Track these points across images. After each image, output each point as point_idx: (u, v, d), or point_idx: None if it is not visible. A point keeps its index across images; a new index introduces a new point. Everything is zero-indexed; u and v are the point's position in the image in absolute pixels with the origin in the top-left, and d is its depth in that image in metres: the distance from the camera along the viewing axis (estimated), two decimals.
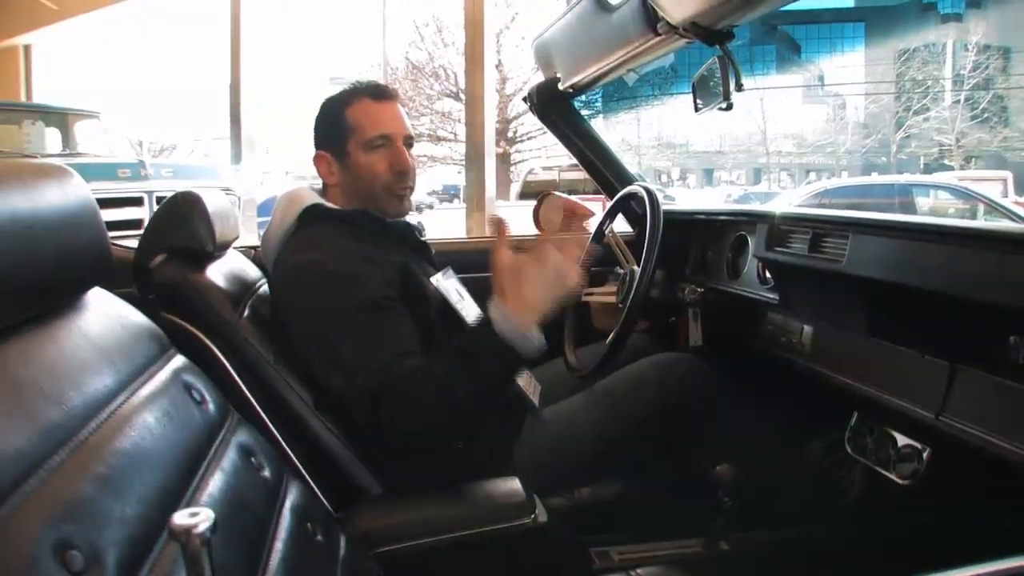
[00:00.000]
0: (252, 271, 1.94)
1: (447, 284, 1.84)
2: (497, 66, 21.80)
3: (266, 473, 1.23)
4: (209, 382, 1.27)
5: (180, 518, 0.69)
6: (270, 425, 1.55)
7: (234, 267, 1.84)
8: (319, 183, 1.94)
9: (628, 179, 2.73)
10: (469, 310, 1.85)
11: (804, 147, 40.99)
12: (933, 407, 1.50)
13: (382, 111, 1.85)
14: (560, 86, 2.56)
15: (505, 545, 1.51)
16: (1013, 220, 10.77)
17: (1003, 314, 1.32)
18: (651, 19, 1.81)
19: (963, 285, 1.41)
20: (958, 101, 35.86)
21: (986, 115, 35.19)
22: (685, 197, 27.11)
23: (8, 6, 11.04)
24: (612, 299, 2.18)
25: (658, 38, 1.85)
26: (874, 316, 1.72)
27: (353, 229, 1.78)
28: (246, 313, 1.69)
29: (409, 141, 1.87)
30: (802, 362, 1.98)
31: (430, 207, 22.91)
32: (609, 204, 2.45)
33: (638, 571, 1.54)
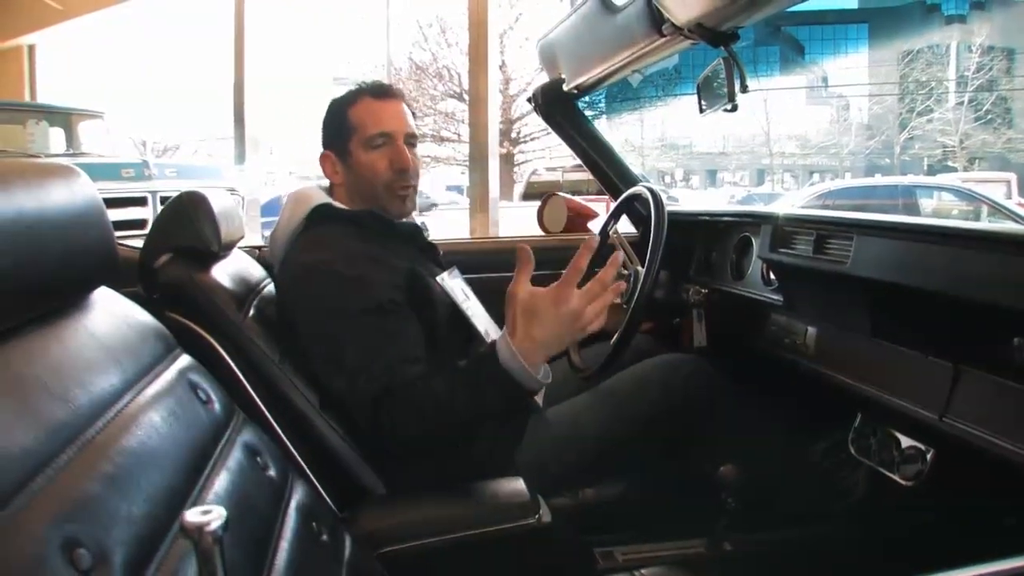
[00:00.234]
0: (257, 271, 1.95)
1: (453, 284, 1.84)
2: (501, 67, 21.75)
3: (271, 473, 1.23)
4: (215, 382, 1.28)
5: (192, 516, 0.69)
6: (275, 425, 1.55)
7: (239, 267, 1.85)
8: (324, 183, 1.94)
9: (632, 180, 2.73)
10: (475, 310, 1.85)
11: (808, 148, 40.99)
12: (937, 408, 1.50)
13: (383, 109, 1.86)
14: (564, 87, 2.56)
15: (509, 545, 1.51)
16: (1017, 222, 10.76)
17: (1007, 315, 1.32)
18: (656, 20, 1.81)
19: (967, 286, 1.41)
20: (962, 103, 35.82)
21: (990, 117, 35.18)
22: (689, 198, 27.12)
23: (12, 6, 11.03)
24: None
25: (663, 39, 1.85)
26: (878, 317, 1.72)
27: (361, 230, 1.78)
28: (251, 313, 1.70)
29: (411, 139, 1.88)
30: (806, 363, 1.98)
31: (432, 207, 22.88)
32: (613, 205, 2.45)
33: (642, 571, 1.54)
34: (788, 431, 2.07)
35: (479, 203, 6.09)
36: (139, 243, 1.78)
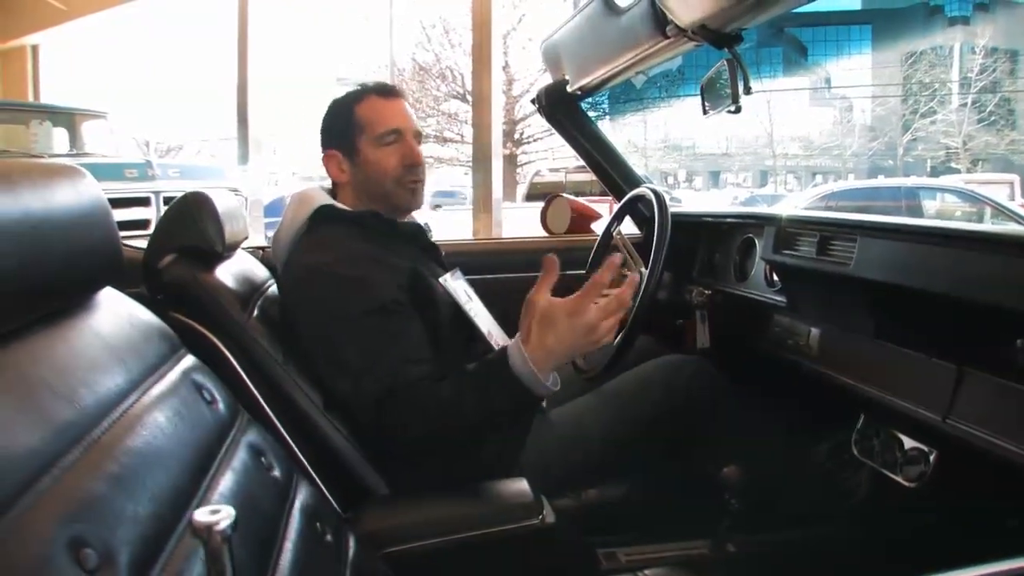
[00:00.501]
0: (261, 271, 1.95)
1: (455, 285, 1.84)
2: (504, 68, 21.73)
3: (276, 473, 1.24)
4: (219, 382, 1.28)
5: (201, 515, 0.70)
6: (278, 425, 1.55)
7: (243, 267, 1.85)
8: (327, 183, 1.94)
9: (636, 181, 2.73)
10: (478, 311, 1.85)
11: (811, 150, 40.99)
12: (940, 410, 1.50)
13: (390, 107, 1.87)
14: (568, 88, 2.57)
15: (513, 546, 1.51)
16: (1020, 223, 10.74)
17: (1010, 317, 1.32)
18: (660, 22, 1.81)
19: (971, 288, 1.41)
20: (965, 104, 35.79)
21: (993, 118, 35.16)
22: (691, 199, 27.09)
23: (15, 6, 11.04)
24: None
25: (667, 41, 1.85)
26: (881, 319, 1.72)
27: (364, 230, 1.78)
28: (255, 313, 1.70)
29: (418, 136, 1.89)
30: (809, 364, 1.98)
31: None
32: (617, 206, 2.45)
33: (645, 572, 1.54)
34: (791, 432, 2.08)
35: (482, 204, 6.09)
36: (143, 243, 1.79)
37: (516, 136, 23.35)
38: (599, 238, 2.39)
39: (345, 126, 1.86)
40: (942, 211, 12.23)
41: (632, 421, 1.92)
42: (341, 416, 1.64)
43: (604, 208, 3.28)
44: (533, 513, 1.52)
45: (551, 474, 1.76)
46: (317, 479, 1.50)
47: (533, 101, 2.82)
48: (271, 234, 1.93)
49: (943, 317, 1.53)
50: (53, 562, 0.70)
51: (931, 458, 1.68)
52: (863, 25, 44.52)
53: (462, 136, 23.01)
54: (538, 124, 22.42)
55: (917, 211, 12.06)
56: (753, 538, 1.96)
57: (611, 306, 1.49)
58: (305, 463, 1.53)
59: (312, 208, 1.80)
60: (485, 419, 1.57)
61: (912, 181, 15.68)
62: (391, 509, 1.58)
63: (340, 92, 1.93)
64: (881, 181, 19.66)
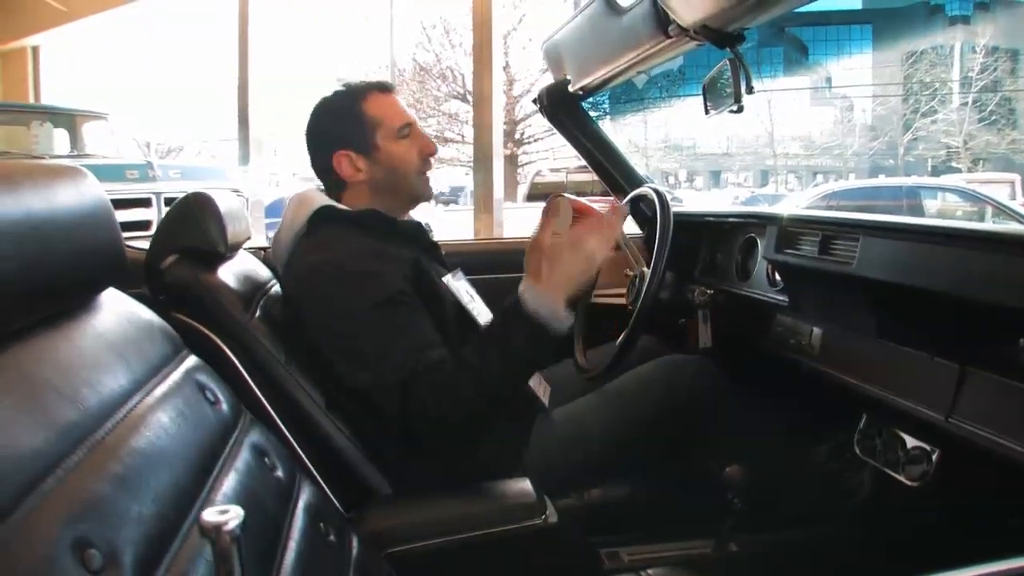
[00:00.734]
0: (263, 272, 1.95)
1: (457, 285, 1.85)
2: (504, 68, 21.72)
3: (279, 473, 1.24)
4: (222, 382, 1.28)
5: (210, 515, 0.70)
6: (281, 425, 1.56)
7: (245, 268, 1.85)
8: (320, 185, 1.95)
9: (638, 181, 2.73)
10: (480, 310, 1.86)
11: (811, 149, 40.98)
12: (942, 409, 1.50)
13: (396, 103, 1.90)
14: (570, 88, 2.57)
15: (516, 546, 1.51)
16: (1021, 222, 10.75)
17: (1012, 316, 1.32)
18: (662, 21, 1.81)
19: (973, 287, 1.41)
20: (966, 103, 35.78)
21: (994, 117, 35.14)
22: (692, 199, 27.08)
23: (16, 8, 11.07)
24: (622, 301, 2.18)
25: (668, 40, 1.85)
26: (883, 318, 1.72)
27: (364, 229, 1.78)
28: (257, 314, 1.70)
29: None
30: (811, 364, 1.98)
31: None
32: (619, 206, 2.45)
33: (648, 572, 1.54)
34: (793, 432, 2.08)
35: (483, 204, 6.09)
36: (144, 244, 1.79)
37: (517, 136, 23.35)
38: (626, 205, 2.39)
39: (356, 125, 1.85)
40: (943, 210, 12.23)
41: (634, 421, 1.92)
42: (343, 415, 1.64)
43: (606, 208, 3.27)
44: (536, 513, 1.52)
45: (554, 474, 1.76)
46: (320, 479, 1.51)
47: (534, 101, 2.82)
48: (272, 235, 1.93)
49: (945, 316, 1.53)
50: (57, 563, 0.70)
51: (933, 457, 1.68)
52: (864, 24, 44.48)
53: (463, 136, 23.01)
54: (539, 124, 22.45)
55: (918, 211, 12.05)
56: (756, 538, 1.95)
57: (605, 233, 1.61)
58: (308, 463, 1.53)
59: (312, 209, 1.80)
60: (510, 374, 1.57)
61: (913, 180, 15.67)
62: (394, 509, 1.58)
63: None
64: (882, 181, 19.63)
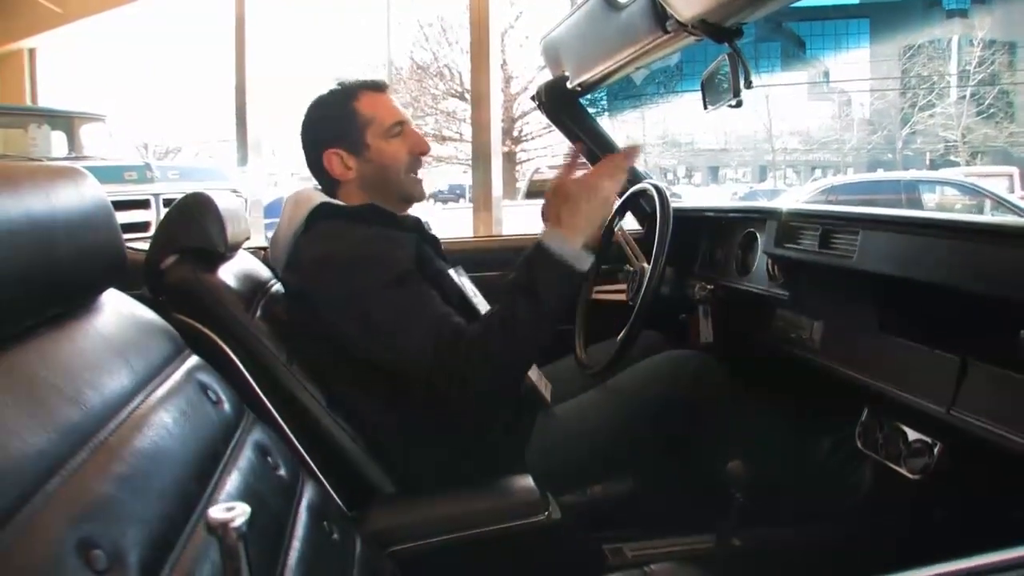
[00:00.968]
0: (263, 271, 1.95)
1: (460, 280, 1.85)
2: (502, 65, 21.67)
3: (282, 472, 1.24)
4: (224, 382, 1.28)
5: (216, 512, 0.70)
6: (283, 424, 1.56)
7: (245, 267, 1.85)
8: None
9: (636, 177, 2.73)
10: (482, 306, 1.86)
11: (810, 144, 40.92)
12: (944, 402, 1.50)
13: (388, 101, 1.90)
14: (568, 84, 2.57)
15: (519, 542, 1.52)
16: (1020, 215, 10.76)
17: (1013, 308, 1.32)
18: (660, 17, 1.82)
19: (974, 280, 1.41)
20: (964, 97, 35.73)
21: (992, 111, 35.08)
22: (691, 195, 27.07)
23: (12, 10, 11.03)
24: (623, 297, 2.18)
25: (667, 36, 1.85)
26: (884, 311, 1.72)
27: (365, 222, 1.78)
28: (258, 313, 1.70)
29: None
30: (812, 358, 1.98)
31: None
32: (618, 202, 2.45)
33: (651, 567, 1.54)
34: (795, 426, 2.07)
35: (482, 201, 6.08)
36: (143, 245, 1.79)
37: (515, 133, 23.33)
38: (601, 234, 2.39)
39: (347, 123, 1.85)
40: (942, 204, 12.25)
41: (636, 417, 1.92)
42: (346, 414, 1.65)
43: None
44: (539, 510, 1.53)
45: (556, 470, 1.77)
46: (323, 478, 1.51)
47: (533, 98, 2.82)
48: (271, 234, 1.92)
49: (946, 309, 1.53)
50: (63, 564, 0.71)
51: (935, 450, 1.67)
52: (861, 19, 44.40)
53: (461, 134, 22.98)
54: (537, 121, 22.39)
55: (917, 204, 12.08)
56: (759, 532, 1.95)
57: (617, 175, 1.73)
58: (310, 462, 1.53)
59: (310, 208, 1.79)
60: (540, 319, 1.59)
61: (912, 174, 15.71)
62: (397, 507, 1.59)
63: None
64: (881, 175, 19.65)
